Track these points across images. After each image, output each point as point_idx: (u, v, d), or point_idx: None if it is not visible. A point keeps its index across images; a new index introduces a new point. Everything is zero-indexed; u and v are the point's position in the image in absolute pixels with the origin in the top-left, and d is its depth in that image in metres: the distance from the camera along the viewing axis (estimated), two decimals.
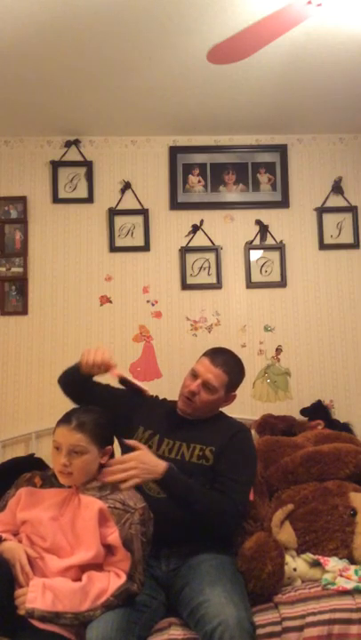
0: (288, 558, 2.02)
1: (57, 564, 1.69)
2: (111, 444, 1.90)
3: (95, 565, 1.72)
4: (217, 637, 1.55)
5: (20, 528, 1.80)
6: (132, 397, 2.19)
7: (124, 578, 1.68)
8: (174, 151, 3.31)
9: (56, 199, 3.26)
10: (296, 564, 2.04)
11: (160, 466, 1.83)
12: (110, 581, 1.67)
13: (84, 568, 1.70)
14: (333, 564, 2.01)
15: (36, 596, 1.57)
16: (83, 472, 1.80)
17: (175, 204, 3.29)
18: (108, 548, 1.73)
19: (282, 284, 3.26)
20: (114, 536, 1.71)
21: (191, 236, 3.28)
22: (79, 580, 1.67)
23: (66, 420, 1.84)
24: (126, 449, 1.95)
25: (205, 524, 1.88)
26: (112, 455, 1.90)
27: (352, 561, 2.10)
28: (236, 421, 2.17)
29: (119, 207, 3.27)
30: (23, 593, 1.60)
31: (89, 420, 1.84)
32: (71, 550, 1.72)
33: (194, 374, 2.08)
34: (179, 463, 1.95)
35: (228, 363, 2.11)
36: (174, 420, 2.11)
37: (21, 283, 3.19)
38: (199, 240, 3.28)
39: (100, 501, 1.75)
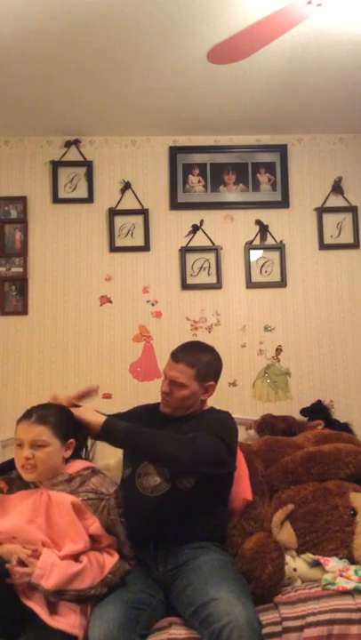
0: (288, 558, 2.02)
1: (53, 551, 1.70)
2: (73, 437, 1.87)
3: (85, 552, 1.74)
4: (225, 636, 1.55)
5: None
6: (131, 416, 2.21)
7: (116, 556, 1.75)
8: (174, 151, 3.31)
9: (56, 199, 3.26)
10: (296, 564, 2.04)
11: (100, 417, 1.87)
12: (106, 560, 1.73)
13: (76, 556, 1.73)
14: (333, 564, 2.01)
15: (42, 574, 1.60)
16: (46, 465, 1.78)
17: (175, 204, 3.29)
18: (92, 538, 1.75)
19: (282, 284, 3.26)
20: (95, 526, 1.73)
21: (191, 236, 3.27)
22: (76, 560, 1.70)
23: (26, 415, 1.83)
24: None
25: (158, 455, 1.87)
26: (75, 449, 1.87)
27: (352, 561, 2.10)
28: (220, 410, 2.19)
29: (119, 207, 3.27)
30: (32, 563, 1.62)
31: (49, 413, 1.83)
32: (58, 547, 1.72)
33: (164, 375, 2.14)
34: (159, 433, 1.97)
35: (192, 355, 2.11)
36: (162, 420, 2.13)
37: (21, 283, 3.19)
38: (199, 240, 3.27)
39: (70, 496, 1.74)
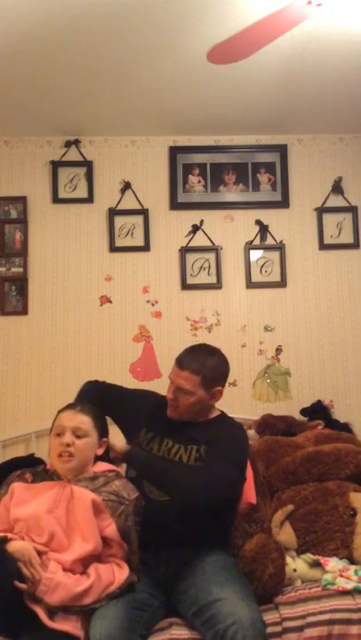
0: (288, 559, 2.02)
1: (60, 560, 1.70)
2: (107, 437, 1.97)
3: (95, 557, 1.74)
4: (230, 636, 1.55)
5: (14, 526, 1.79)
6: (138, 398, 2.25)
7: (127, 570, 1.74)
8: (174, 151, 3.31)
9: (56, 199, 3.26)
10: (296, 564, 2.04)
11: (125, 446, 2.01)
12: (115, 574, 1.72)
13: (85, 561, 1.72)
14: (333, 564, 2.01)
15: (46, 591, 1.61)
16: (83, 455, 1.84)
17: (175, 204, 3.29)
18: (104, 541, 1.75)
19: (282, 284, 3.26)
20: (111, 528, 1.74)
21: (191, 236, 3.27)
22: (83, 572, 1.70)
23: (70, 406, 1.95)
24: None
25: (177, 489, 1.88)
26: (107, 448, 1.96)
27: (352, 561, 2.09)
28: (233, 421, 2.17)
29: (119, 207, 3.27)
30: (38, 572, 1.62)
31: (91, 407, 1.95)
32: (69, 543, 1.73)
33: (170, 381, 2.10)
34: (178, 465, 1.98)
35: (197, 361, 2.06)
36: (170, 422, 2.11)
37: (21, 283, 3.19)
38: (199, 240, 3.27)
39: (92, 493, 1.76)
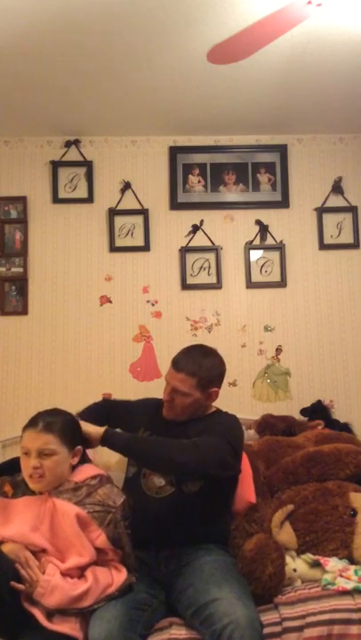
0: (288, 559, 2.02)
1: (57, 563, 1.69)
2: (80, 444, 1.86)
3: (92, 563, 1.73)
4: (226, 636, 1.55)
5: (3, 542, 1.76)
6: (138, 406, 2.27)
7: (124, 572, 1.72)
8: (174, 151, 3.31)
9: (56, 199, 3.26)
10: (296, 564, 2.04)
11: (99, 428, 1.89)
12: (113, 577, 1.71)
13: (82, 567, 1.71)
14: (333, 564, 2.01)
15: (44, 593, 1.60)
16: (54, 473, 1.75)
17: (175, 204, 3.29)
18: (98, 550, 1.73)
19: (282, 284, 3.26)
20: (101, 539, 1.70)
21: (191, 236, 3.27)
22: (81, 575, 1.69)
23: (32, 423, 1.80)
24: None
25: (164, 455, 1.85)
26: (82, 455, 1.86)
27: (352, 561, 2.09)
28: (227, 413, 2.17)
29: (119, 207, 3.27)
30: (36, 574, 1.61)
31: (56, 420, 1.80)
32: (62, 557, 1.71)
33: (166, 382, 2.11)
34: (162, 439, 1.97)
35: (193, 362, 2.06)
36: (166, 422, 2.12)
37: (21, 283, 3.19)
38: (199, 240, 3.27)
39: (75, 507, 1.71)
